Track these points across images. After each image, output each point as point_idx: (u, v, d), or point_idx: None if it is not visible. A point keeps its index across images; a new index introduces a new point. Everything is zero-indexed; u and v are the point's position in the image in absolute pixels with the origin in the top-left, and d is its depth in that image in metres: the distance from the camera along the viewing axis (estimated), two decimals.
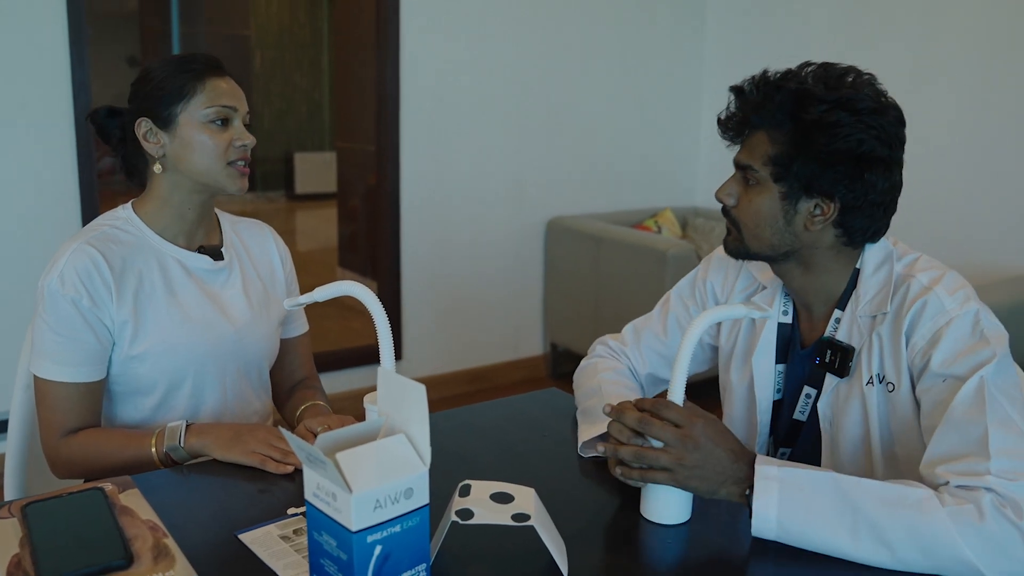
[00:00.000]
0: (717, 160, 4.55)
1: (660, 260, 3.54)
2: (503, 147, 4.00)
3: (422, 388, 0.94)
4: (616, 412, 1.22)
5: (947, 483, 1.11)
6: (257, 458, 1.34)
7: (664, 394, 1.26)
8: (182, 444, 1.39)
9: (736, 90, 1.35)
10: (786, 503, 1.10)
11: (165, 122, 1.48)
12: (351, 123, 4.99)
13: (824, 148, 1.24)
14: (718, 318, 1.20)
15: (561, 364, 4.26)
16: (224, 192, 1.52)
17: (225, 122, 1.50)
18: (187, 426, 1.41)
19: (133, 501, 1.13)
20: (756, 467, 1.13)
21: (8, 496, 1.55)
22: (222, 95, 1.49)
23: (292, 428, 1.66)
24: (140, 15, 8.04)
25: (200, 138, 1.47)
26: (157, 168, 1.51)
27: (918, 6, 3.61)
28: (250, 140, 1.52)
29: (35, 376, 1.45)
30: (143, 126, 1.49)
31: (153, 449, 1.40)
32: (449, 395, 3.95)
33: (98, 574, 0.96)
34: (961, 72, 3.49)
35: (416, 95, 3.73)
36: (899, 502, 1.08)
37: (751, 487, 1.13)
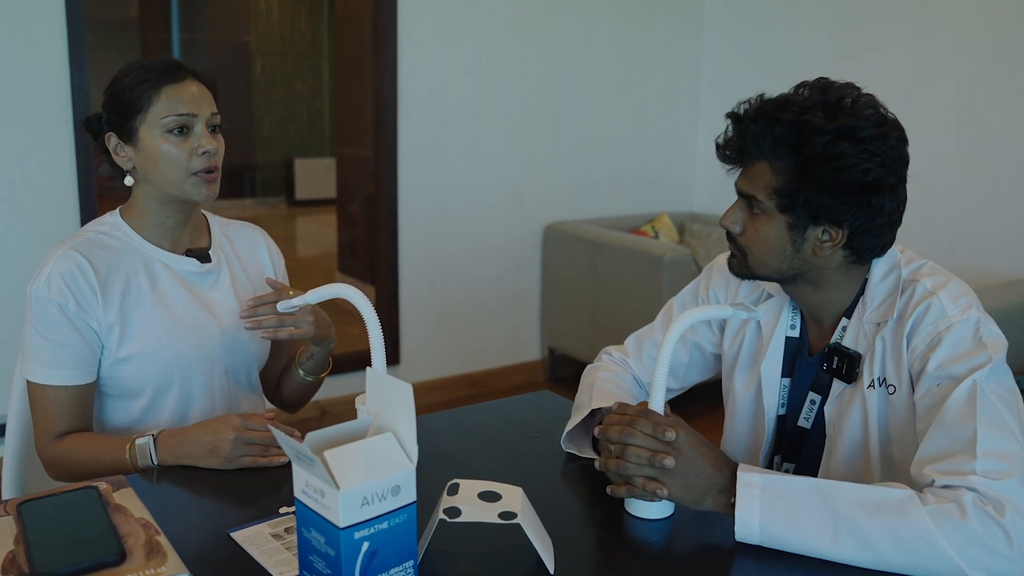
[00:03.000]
0: (714, 165, 4.54)
1: (657, 265, 3.55)
2: (501, 153, 4.02)
3: (409, 387, 0.96)
4: (602, 431, 1.24)
5: (932, 482, 1.12)
6: (246, 462, 1.35)
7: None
8: (155, 463, 1.38)
9: (733, 117, 1.33)
10: (768, 509, 1.12)
11: (129, 135, 1.47)
12: (351, 129, 5.01)
13: (830, 180, 1.23)
14: (701, 317, 1.22)
15: (559, 369, 4.27)
16: (191, 202, 1.50)
17: (186, 130, 1.46)
18: (155, 439, 1.39)
19: (126, 499, 1.15)
20: (738, 474, 1.15)
21: (7, 497, 1.57)
22: (179, 103, 1.44)
23: (295, 383, 1.68)
24: (140, 22, 8.07)
25: (161, 149, 1.45)
26: (128, 181, 1.52)
27: (914, 14, 3.63)
28: (213, 146, 1.46)
29: (27, 381, 1.47)
30: (111, 141, 1.49)
31: (128, 460, 1.39)
32: (447, 400, 3.97)
33: (91, 570, 0.98)
34: (960, 76, 3.51)
35: (414, 102, 3.75)
36: (880, 505, 1.09)
37: (736, 496, 1.14)
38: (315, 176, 9.03)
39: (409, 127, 3.76)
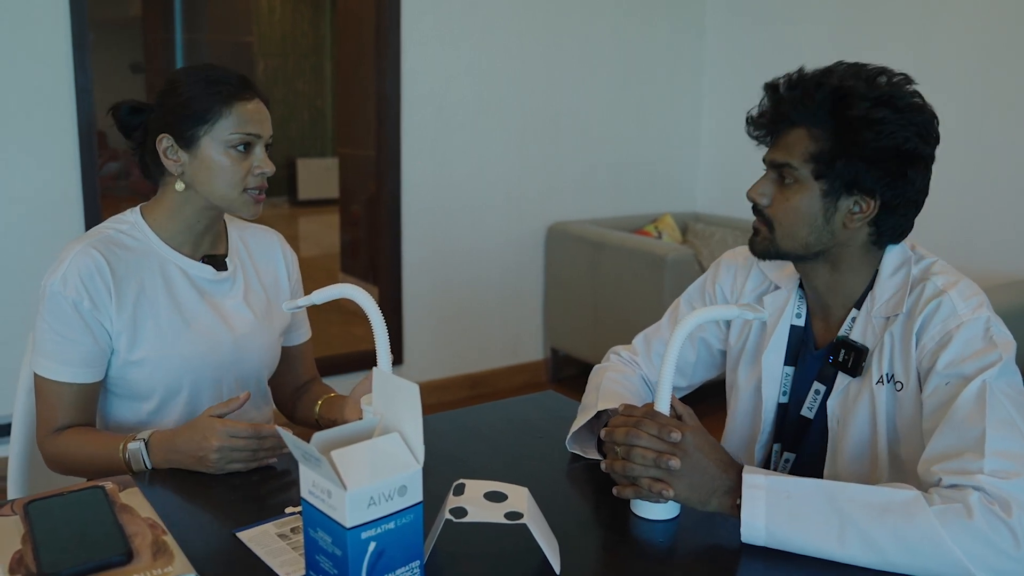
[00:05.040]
0: (717, 165, 4.56)
1: (660, 265, 3.56)
2: (503, 153, 4.02)
3: (415, 387, 0.96)
4: (607, 433, 1.24)
5: (940, 481, 1.12)
6: (234, 468, 1.34)
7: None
8: (149, 467, 1.38)
9: (771, 87, 1.34)
10: (773, 511, 1.12)
11: (187, 142, 1.47)
12: (353, 129, 5.01)
13: (869, 145, 1.25)
14: (707, 318, 1.22)
15: (561, 369, 4.27)
16: (236, 215, 1.53)
17: (247, 147, 1.48)
18: (147, 444, 1.38)
19: (133, 499, 1.15)
20: (743, 476, 1.15)
21: (11, 496, 1.57)
22: (248, 122, 1.47)
23: (311, 422, 1.68)
24: (143, 22, 8.06)
25: (220, 163, 1.46)
26: (179, 186, 1.50)
27: (914, 14, 3.63)
28: (270, 168, 1.50)
29: (34, 373, 1.47)
30: (164, 142, 1.48)
31: (122, 461, 1.39)
32: (450, 400, 3.97)
33: (97, 570, 0.98)
34: (960, 76, 3.51)
35: (417, 102, 3.75)
36: (886, 506, 1.09)
37: (741, 498, 1.14)
38: (317, 176, 9.04)
39: (411, 127, 3.76)
